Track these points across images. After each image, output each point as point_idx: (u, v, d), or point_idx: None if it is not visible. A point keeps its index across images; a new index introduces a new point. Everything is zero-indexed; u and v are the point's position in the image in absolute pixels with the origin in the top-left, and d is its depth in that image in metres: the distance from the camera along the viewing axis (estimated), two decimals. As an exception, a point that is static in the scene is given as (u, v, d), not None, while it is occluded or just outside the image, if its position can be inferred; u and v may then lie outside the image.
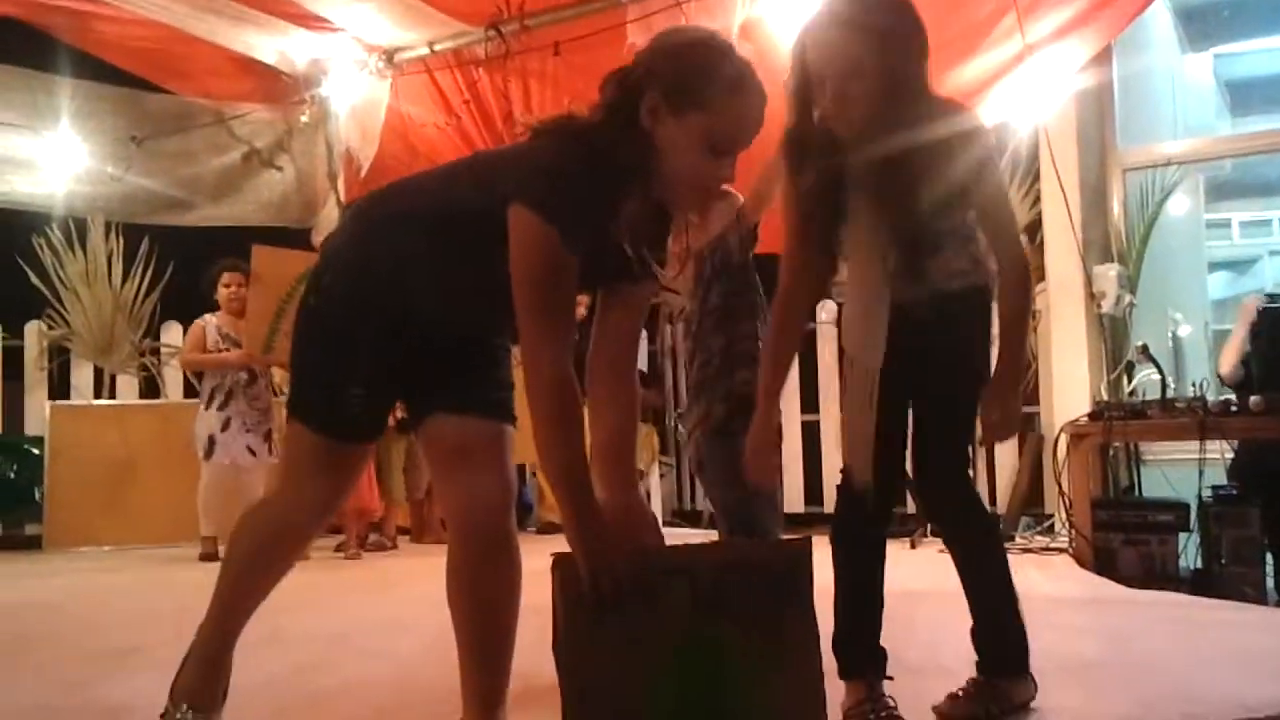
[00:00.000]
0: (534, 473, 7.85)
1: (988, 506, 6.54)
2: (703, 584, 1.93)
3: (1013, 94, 5.88)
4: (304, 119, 8.10)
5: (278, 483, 2.40)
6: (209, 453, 6.43)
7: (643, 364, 8.49)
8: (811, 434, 7.59)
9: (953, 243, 2.50)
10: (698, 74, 2.01)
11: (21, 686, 3.11)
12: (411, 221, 2.16)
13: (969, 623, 2.64)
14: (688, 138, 2.00)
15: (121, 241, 7.80)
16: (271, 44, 7.47)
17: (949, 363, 2.53)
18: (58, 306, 7.71)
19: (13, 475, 7.31)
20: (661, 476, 8.12)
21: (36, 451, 7.21)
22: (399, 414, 6.66)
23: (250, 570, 2.34)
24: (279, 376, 7.01)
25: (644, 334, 8.49)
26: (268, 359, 6.53)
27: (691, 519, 8.06)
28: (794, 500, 7.39)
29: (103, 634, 4.07)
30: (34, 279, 7.62)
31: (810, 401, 7.58)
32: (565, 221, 1.94)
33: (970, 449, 2.64)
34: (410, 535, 7.27)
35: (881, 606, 2.57)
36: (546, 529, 7.62)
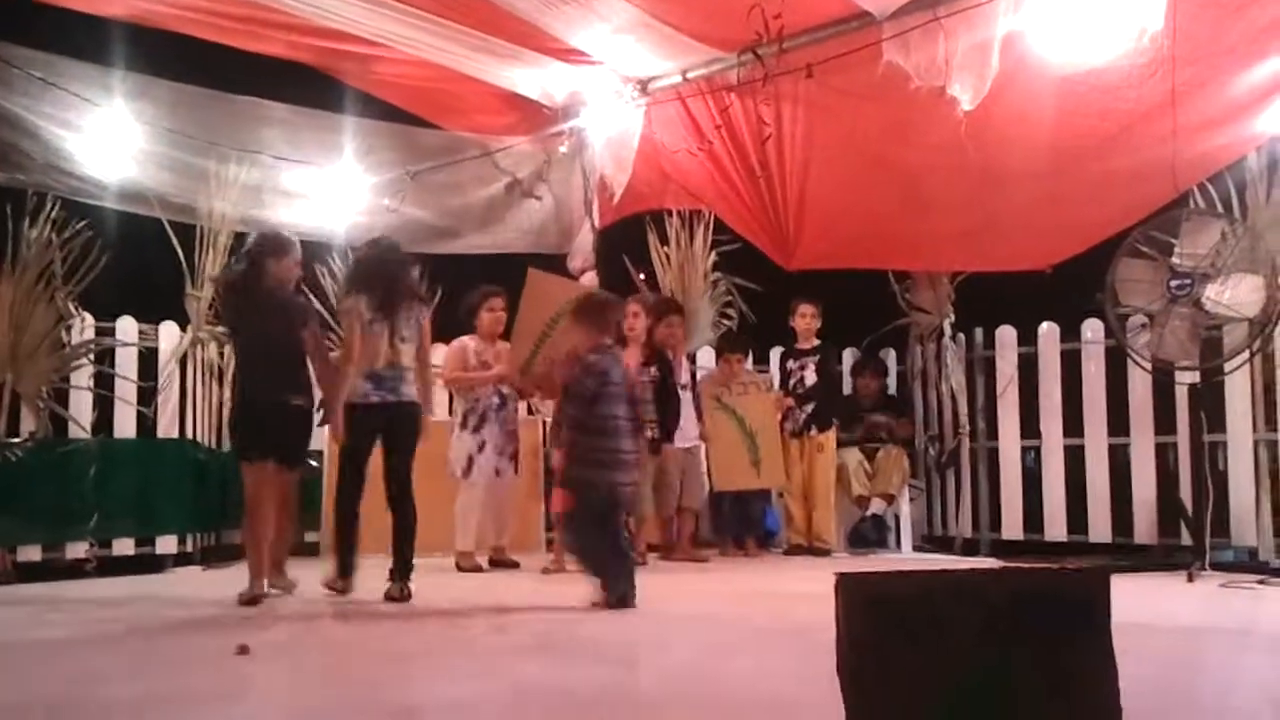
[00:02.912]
0: (781, 495, 7.85)
1: (1271, 539, 6.14)
2: (995, 612, 1.89)
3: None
4: (562, 149, 8.43)
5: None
6: (467, 471, 6.74)
7: (893, 388, 8.37)
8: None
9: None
10: None
11: (311, 687, 3.32)
12: None
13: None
14: None
15: (395, 268, 8.23)
16: (534, 79, 7.81)
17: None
18: (335, 329, 8.23)
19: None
20: (911, 500, 7.95)
21: (315, 464, 7.69)
22: (650, 434, 6.97)
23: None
24: (537, 397, 7.29)
25: (893, 354, 8.30)
26: (524, 381, 6.77)
27: (944, 544, 7.85)
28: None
29: (383, 639, 4.33)
30: (316, 304, 8.15)
31: (1074, 427, 7.27)
32: None
33: None
34: (659, 553, 7.38)
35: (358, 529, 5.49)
36: (793, 550, 7.62)
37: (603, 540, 4.86)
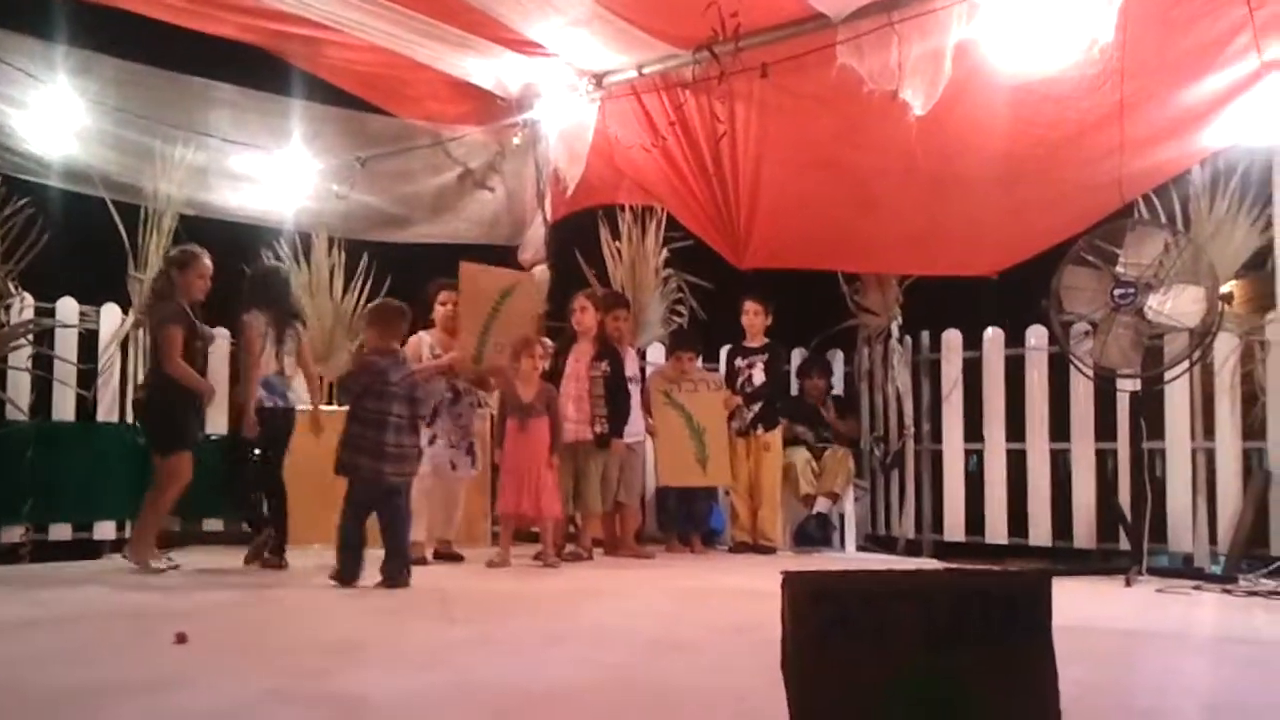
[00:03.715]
0: (727, 492, 7.87)
1: (1206, 546, 6.27)
2: (938, 612, 1.91)
3: (1247, 115, 5.59)
4: (516, 141, 8.39)
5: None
6: (417, 463, 6.70)
7: (839, 388, 8.42)
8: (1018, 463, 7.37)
9: None
10: None
11: (252, 677, 3.24)
12: None
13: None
14: None
15: (343, 256, 8.13)
16: (488, 69, 7.76)
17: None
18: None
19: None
20: (856, 500, 8.00)
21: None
22: (598, 429, 6.97)
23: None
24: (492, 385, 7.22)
25: (840, 355, 8.37)
26: (477, 370, 6.77)
27: (887, 544, 7.91)
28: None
29: (327, 628, 4.29)
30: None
31: (1017, 432, 7.36)
32: None
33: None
34: (604, 548, 7.37)
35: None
36: (738, 548, 7.64)
37: (357, 522, 5.45)
